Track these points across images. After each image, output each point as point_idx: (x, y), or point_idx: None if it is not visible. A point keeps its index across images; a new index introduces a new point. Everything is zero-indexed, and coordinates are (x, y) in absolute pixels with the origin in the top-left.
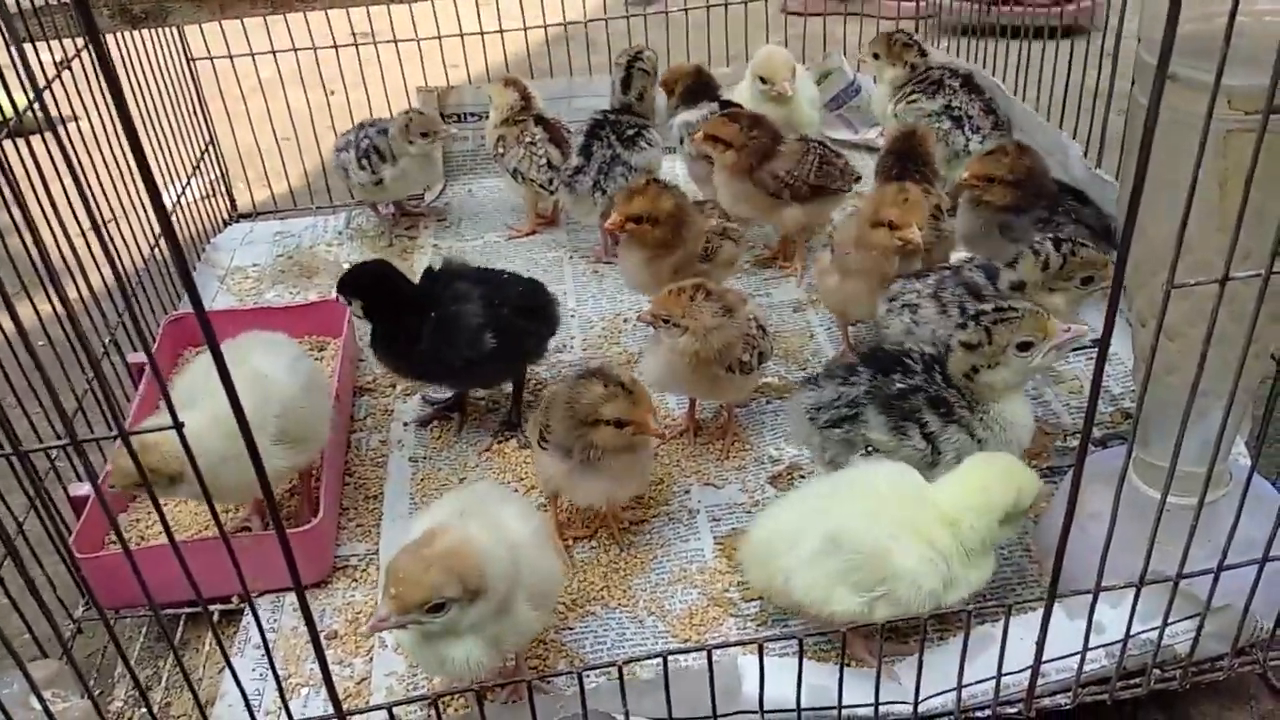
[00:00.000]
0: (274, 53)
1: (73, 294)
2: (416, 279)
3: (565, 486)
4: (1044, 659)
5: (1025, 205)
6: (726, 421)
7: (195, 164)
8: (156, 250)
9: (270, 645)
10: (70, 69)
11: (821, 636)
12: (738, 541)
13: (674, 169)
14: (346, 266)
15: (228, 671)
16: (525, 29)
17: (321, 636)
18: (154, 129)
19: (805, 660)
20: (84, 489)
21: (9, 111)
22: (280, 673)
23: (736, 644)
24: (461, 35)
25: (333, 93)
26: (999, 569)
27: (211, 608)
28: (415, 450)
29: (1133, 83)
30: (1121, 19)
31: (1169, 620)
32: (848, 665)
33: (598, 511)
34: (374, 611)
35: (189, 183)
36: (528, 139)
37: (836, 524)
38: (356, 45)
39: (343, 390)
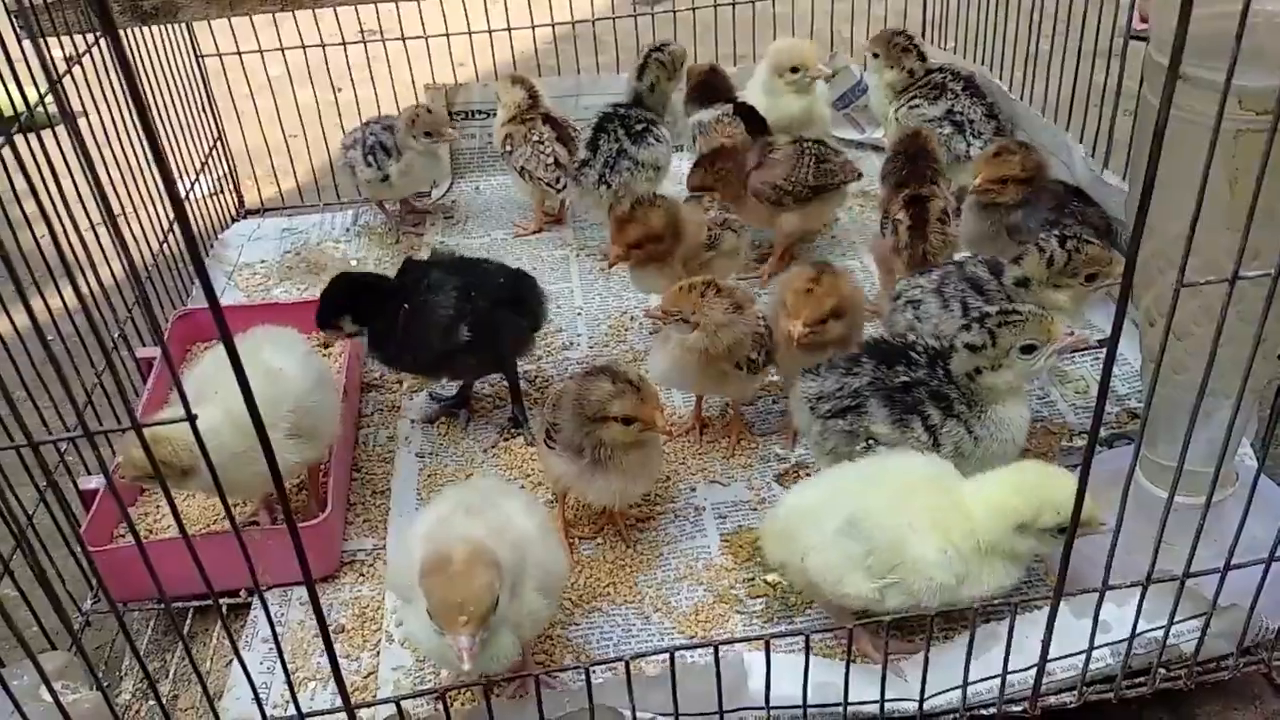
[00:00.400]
0: (282, 50)
1: (82, 288)
2: None
3: (576, 485)
4: (1050, 658)
5: (1034, 203)
6: (733, 419)
7: (203, 160)
8: (165, 246)
9: (278, 639)
10: (81, 64)
11: (828, 633)
12: (762, 522)
13: (682, 167)
14: (354, 264)
15: (235, 665)
16: (533, 27)
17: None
18: (163, 125)
19: (811, 657)
20: (94, 482)
21: (20, 106)
22: (288, 667)
23: (743, 640)
24: (470, 33)
25: (340, 90)
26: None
27: (220, 601)
28: (422, 446)
29: (1141, 82)
30: (1130, 17)
31: (1175, 619)
32: (854, 662)
33: (604, 509)
34: (379, 610)
35: (197, 179)
36: (535, 138)
37: (858, 507)
38: (365, 43)
39: (350, 386)
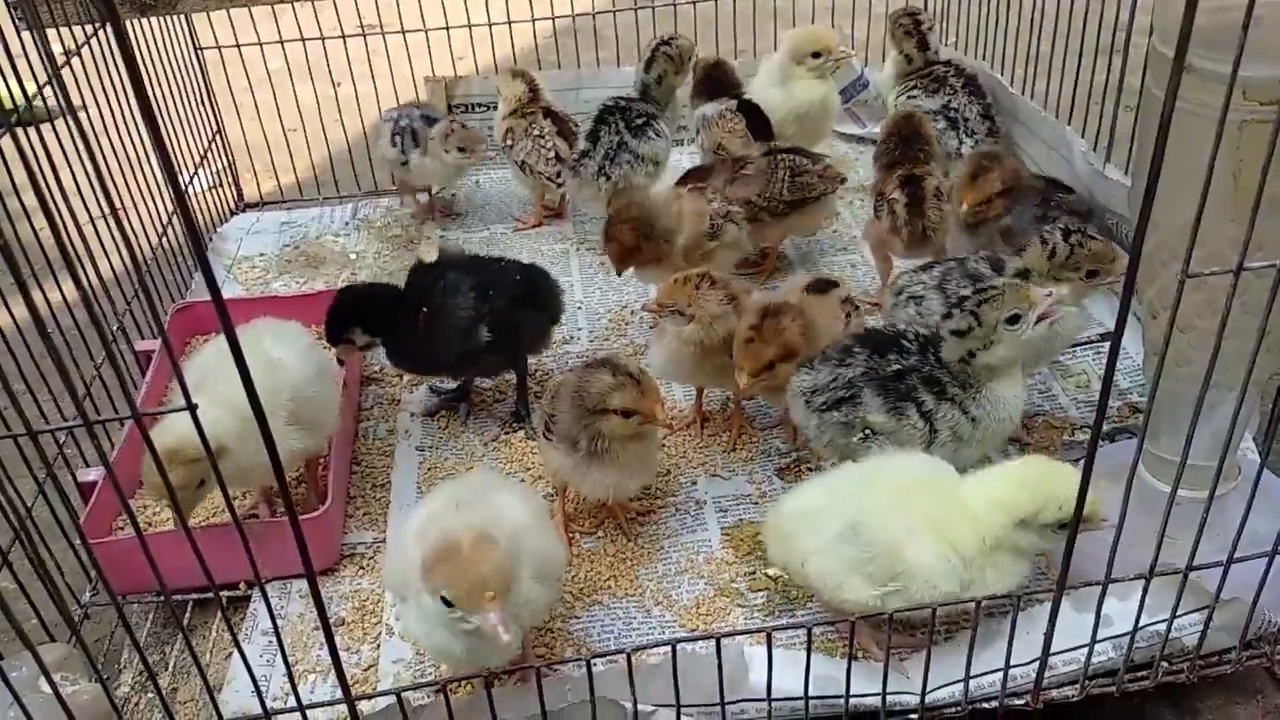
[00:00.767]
0: (282, 43)
1: (82, 281)
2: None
3: (573, 478)
4: (1052, 651)
5: (1020, 203)
6: (734, 413)
7: (202, 154)
8: (164, 239)
9: (279, 632)
10: (80, 56)
11: (829, 626)
12: (764, 515)
13: (682, 161)
14: (353, 257)
15: (234, 658)
16: (533, 20)
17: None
18: (162, 119)
19: (813, 651)
20: (92, 475)
21: (19, 99)
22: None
23: (744, 633)
24: (469, 27)
25: (340, 84)
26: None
27: (220, 594)
28: (422, 440)
29: (1144, 75)
30: (1132, 12)
31: (1177, 613)
32: (855, 658)
33: (605, 504)
34: (379, 603)
35: (196, 172)
36: (536, 131)
37: (858, 512)
38: (365, 36)
39: (350, 379)
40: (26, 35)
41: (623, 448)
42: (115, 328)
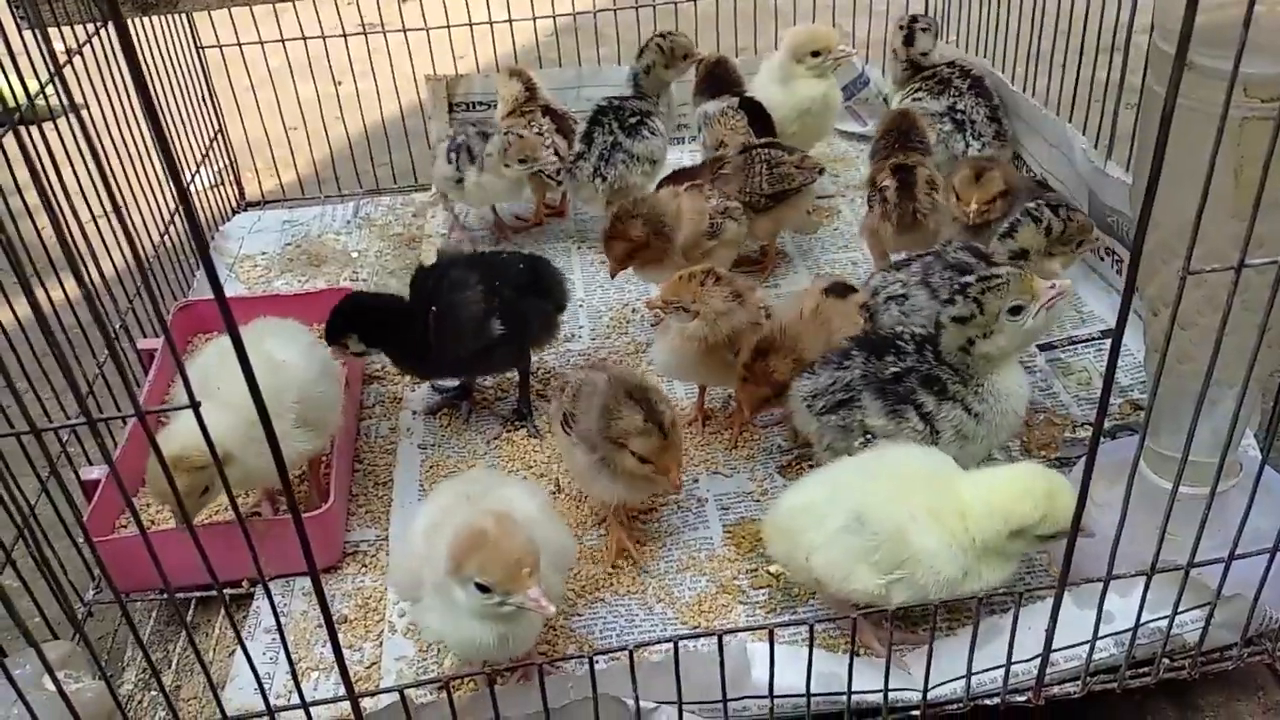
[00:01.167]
0: (283, 41)
1: (85, 279)
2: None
3: (584, 477)
4: (1054, 648)
5: (1015, 202)
6: (735, 411)
7: (204, 153)
8: (166, 238)
9: (282, 629)
10: (82, 55)
11: (831, 623)
12: (764, 514)
13: (681, 160)
14: (354, 255)
15: (237, 656)
16: (534, 19)
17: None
18: (163, 117)
19: (815, 648)
20: (95, 473)
21: (21, 98)
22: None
23: (746, 629)
24: (470, 25)
25: (340, 83)
26: (1017, 572)
27: (224, 591)
28: (424, 438)
29: (1145, 73)
30: (1134, 10)
31: (1179, 610)
32: (858, 654)
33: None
34: (381, 601)
35: (198, 171)
36: (535, 129)
37: (860, 503)
38: (366, 35)
39: (352, 377)
40: (29, 34)
41: (631, 476)
42: (118, 326)
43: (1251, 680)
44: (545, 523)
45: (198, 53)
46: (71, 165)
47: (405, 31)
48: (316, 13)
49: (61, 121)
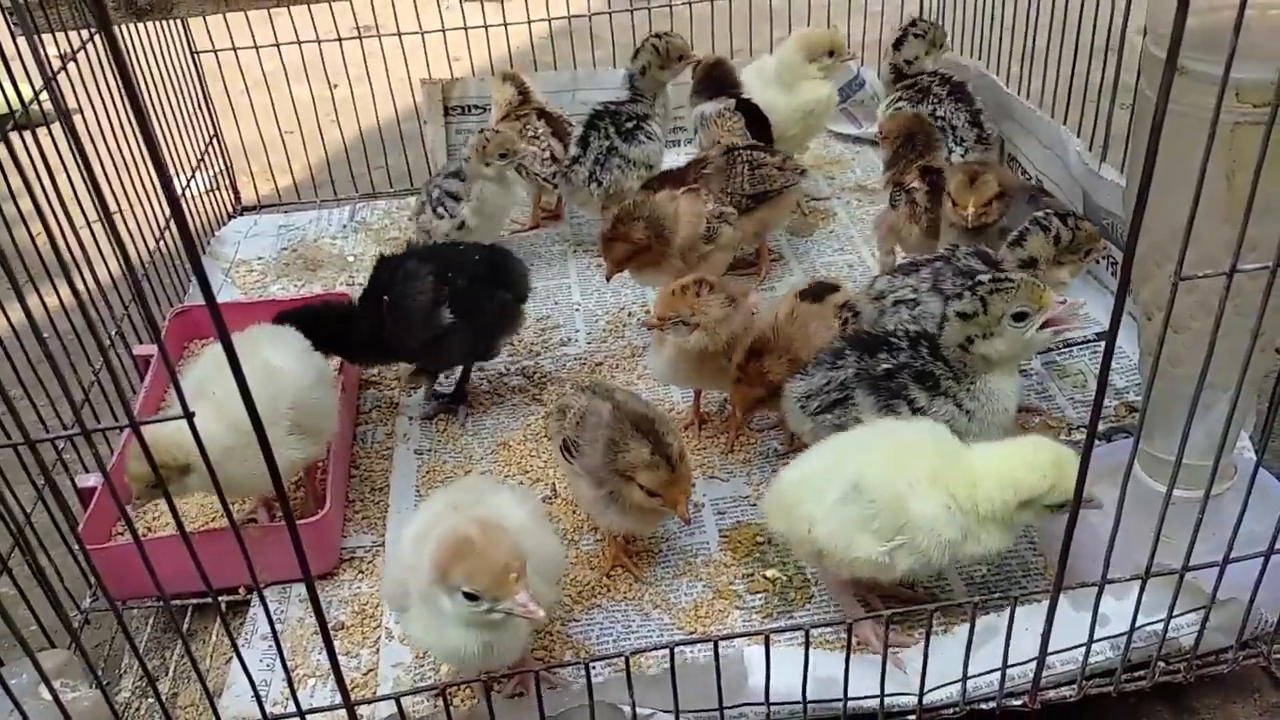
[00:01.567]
0: (278, 45)
1: (78, 286)
2: None
3: (591, 509)
4: (1049, 651)
5: (1013, 205)
6: (731, 415)
7: (199, 157)
8: (161, 243)
9: (278, 637)
10: (75, 61)
11: (828, 628)
12: (766, 488)
13: (678, 163)
14: (350, 260)
15: (234, 663)
16: (529, 22)
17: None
18: (159, 122)
19: (811, 651)
20: (91, 480)
21: (15, 103)
22: (287, 664)
23: (742, 635)
24: (465, 29)
25: (336, 86)
26: (1011, 553)
27: (219, 599)
28: (420, 443)
29: (1138, 76)
30: (1127, 13)
31: (1174, 613)
32: (855, 652)
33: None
34: (378, 607)
35: (193, 176)
36: (530, 133)
37: (857, 473)
38: (361, 38)
39: (348, 383)
40: (21, 41)
41: (638, 509)
42: (114, 332)
43: (1247, 683)
44: (535, 530)
45: (193, 57)
46: (66, 171)
47: (400, 35)
48: (311, 17)
49: (56, 126)
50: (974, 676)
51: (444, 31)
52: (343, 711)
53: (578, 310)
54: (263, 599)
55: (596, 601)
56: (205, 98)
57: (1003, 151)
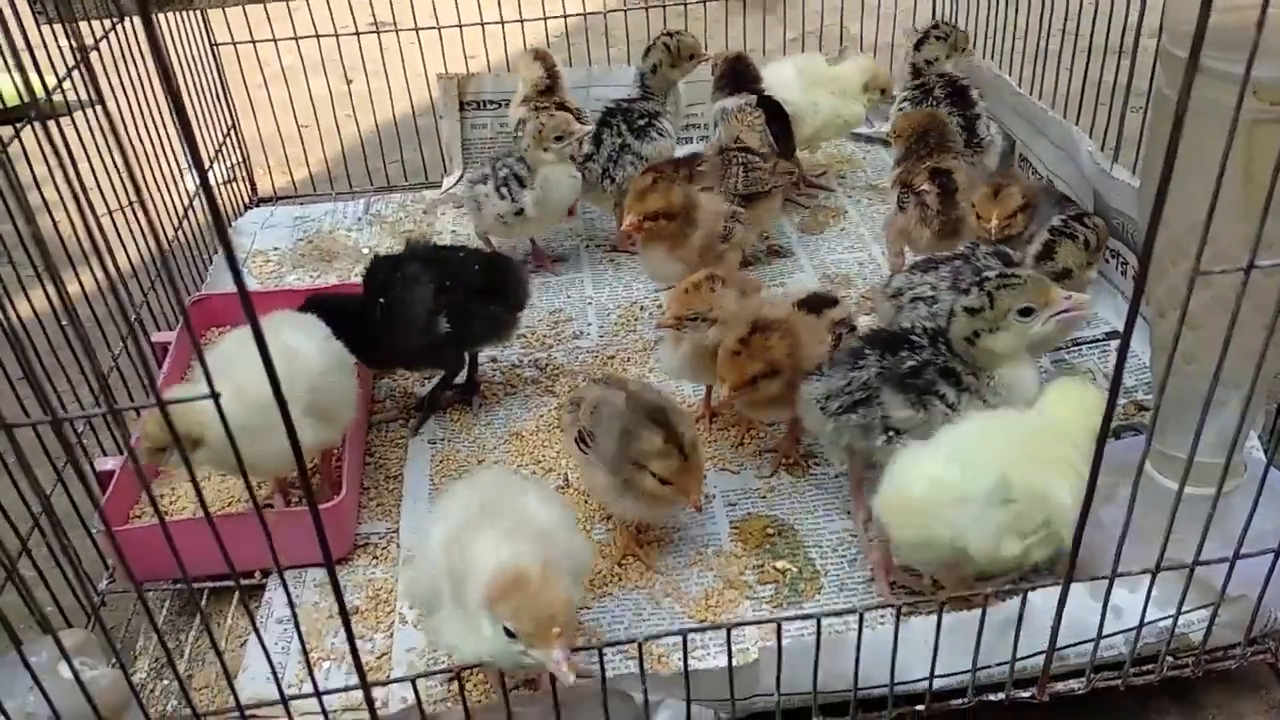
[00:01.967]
0: (296, 39)
1: (100, 274)
2: None
3: (605, 497)
4: (1067, 644)
5: (1038, 219)
6: (726, 403)
7: (217, 148)
8: (179, 234)
9: (297, 618)
10: (98, 50)
11: (837, 617)
12: (878, 502)
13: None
14: (365, 252)
15: (247, 646)
16: (545, 19)
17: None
18: (175, 117)
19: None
20: (110, 464)
21: (39, 93)
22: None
23: (753, 623)
24: (482, 24)
25: (352, 81)
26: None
27: (239, 581)
28: (435, 432)
29: (1152, 75)
30: (1141, 13)
31: (1183, 609)
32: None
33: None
34: (392, 593)
35: (211, 167)
36: None
37: (1000, 473)
38: (379, 33)
39: (363, 371)
40: (35, 31)
41: (652, 497)
42: (133, 319)
43: (1254, 678)
44: (563, 531)
45: (212, 50)
46: (89, 159)
47: (417, 30)
48: (329, 11)
49: (71, 117)
50: (985, 668)
51: (460, 27)
52: (357, 694)
53: (590, 304)
54: (283, 579)
55: (608, 590)
56: (224, 90)
57: (1013, 151)
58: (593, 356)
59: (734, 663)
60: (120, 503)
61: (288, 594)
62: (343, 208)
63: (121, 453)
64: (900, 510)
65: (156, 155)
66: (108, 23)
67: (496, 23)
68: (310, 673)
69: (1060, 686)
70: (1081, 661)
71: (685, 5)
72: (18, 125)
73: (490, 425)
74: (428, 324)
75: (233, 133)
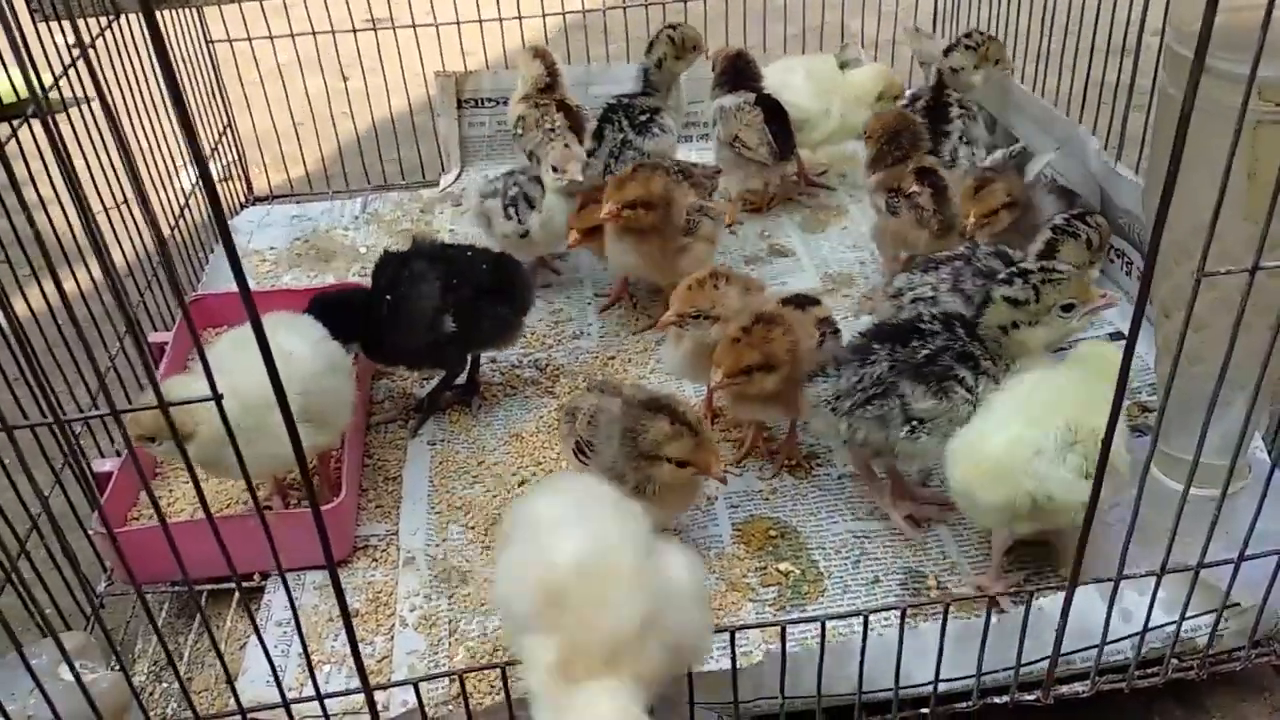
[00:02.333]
0: (292, 36)
1: (96, 273)
2: None
3: None
4: (1074, 649)
5: (1026, 218)
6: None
7: (213, 147)
8: (175, 232)
9: (299, 620)
10: (95, 48)
11: (840, 620)
12: (958, 469)
13: (690, 156)
14: (363, 251)
15: (247, 649)
16: (544, 16)
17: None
18: (173, 111)
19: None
20: (108, 465)
21: (25, 91)
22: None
23: (757, 626)
24: (480, 21)
25: (348, 78)
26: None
27: (240, 583)
28: (434, 434)
29: (1155, 75)
30: (1144, 13)
31: (1188, 613)
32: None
33: None
34: (392, 595)
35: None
36: (548, 124)
37: (1064, 418)
38: (375, 30)
39: (362, 372)
40: (34, 28)
41: (670, 490)
42: (133, 316)
43: (1258, 681)
44: (693, 603)
45: (207, 47)
46: (85, 157)
47: (415, 27)
48: (326, 7)
49: (61, 117)
50: (990, 673)
51: (458, 24)
52: (357, 697)
53: (590, 304)
54: (284, 580)
55: None
56: (219, 87)
57: (1018, 167)
58: (593, 357)
59: (737, 665)
60: (118, 504)
61: (289, 593)
62: (339, 206)
63: (119, 454)
64: (987, 475)
65: (151, 153)
66: (104, 20)
67: (494, 20)
68: (312, 675)
69: (1065, 689)
70: (1086, 665)
71: (684, 1)
72: (15, 123)
73: (490, 426)
74: (433, 322)
75: (228, 130)
